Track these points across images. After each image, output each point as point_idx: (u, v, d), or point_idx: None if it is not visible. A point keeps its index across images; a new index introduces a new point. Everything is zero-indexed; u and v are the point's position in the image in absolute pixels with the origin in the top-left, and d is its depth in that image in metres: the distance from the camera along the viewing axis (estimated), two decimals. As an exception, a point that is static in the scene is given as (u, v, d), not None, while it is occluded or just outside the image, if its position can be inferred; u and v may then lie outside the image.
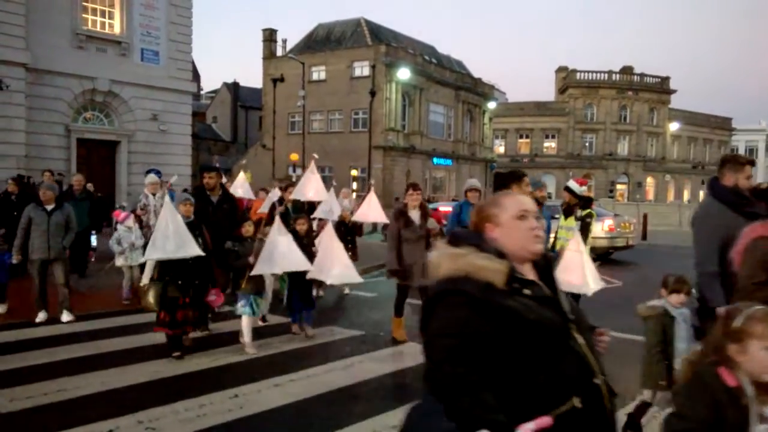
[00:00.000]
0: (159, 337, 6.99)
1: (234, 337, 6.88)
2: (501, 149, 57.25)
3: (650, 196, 57.28)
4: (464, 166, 45.61)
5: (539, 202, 6.18)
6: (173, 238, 5.86)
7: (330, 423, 4.57)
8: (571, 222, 8.03)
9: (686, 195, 60.79)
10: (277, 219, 6.59)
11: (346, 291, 10.14)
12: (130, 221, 8.75)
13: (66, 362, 5.91)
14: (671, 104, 59.47)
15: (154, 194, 9.43)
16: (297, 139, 35.69)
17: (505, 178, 5.77)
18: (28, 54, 17.34)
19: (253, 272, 6.28)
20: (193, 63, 24.41)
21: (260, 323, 7.32)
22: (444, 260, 1.88)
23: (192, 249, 5.97)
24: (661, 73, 59.73)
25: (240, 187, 10.57)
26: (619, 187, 56.14)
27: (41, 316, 7.58)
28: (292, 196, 9.28)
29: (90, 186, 13.17)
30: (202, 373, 5.74)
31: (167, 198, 6.08)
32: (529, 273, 1.91)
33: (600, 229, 15.41)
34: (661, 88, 58.38)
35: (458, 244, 1.91)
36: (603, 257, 15.77)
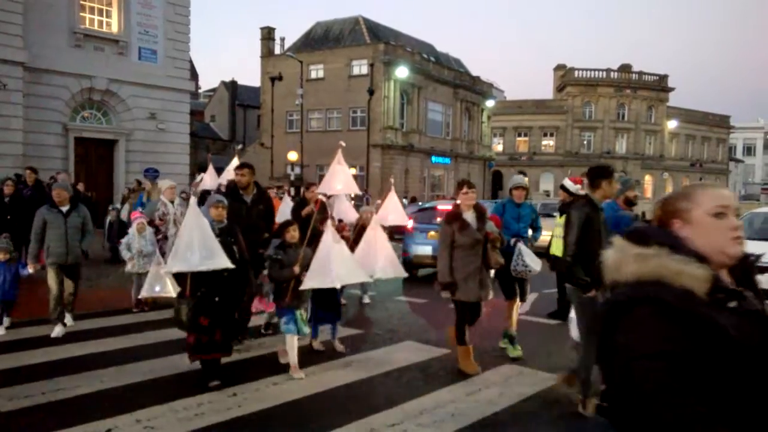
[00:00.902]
0: (157, 336, 7.01)
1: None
2: (499, 147, 57.23)
3: (648, 194, 57.29)
4: (463, 164, 45.60)
5: (632, 203, 5.65)
6: (198, 248, 5.00)
7: (328, 421, 4.58)
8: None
9: (684, 193, 60.74)
10: (329, 225, 5.63)
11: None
12: (138, 223, 8.30)
13: (64, 361, 5.91)
14: (669, 102, 59.44)
15: (172, 201, 8.80)
16: (295, 137, 35.64)
17: (595, 174, 4.99)
18: (25, 53, 17.32)
19: (305, 286, 5.40)
20: (191, 61, 24.39)
21: (318, 347, 6.61)
22: (628, 261, 1.55)
23: (221, 261, 5.07)
24: (660, 71, 59.75)
25: (233, 175, 9.93)
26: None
27: (58, 331, 6.86)
28: (318, 190, 8.42)
29: (80, 186, 13.09)
30: (201, 372, 5.74)
31: (192, 200, 5.15)
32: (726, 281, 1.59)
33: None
34: (659, 86, 58.36)
35: (644, 242, 1.58)
36: (601, 255, 15.77)
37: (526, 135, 58.14)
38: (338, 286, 5.54)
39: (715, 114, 65.79)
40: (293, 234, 5.88)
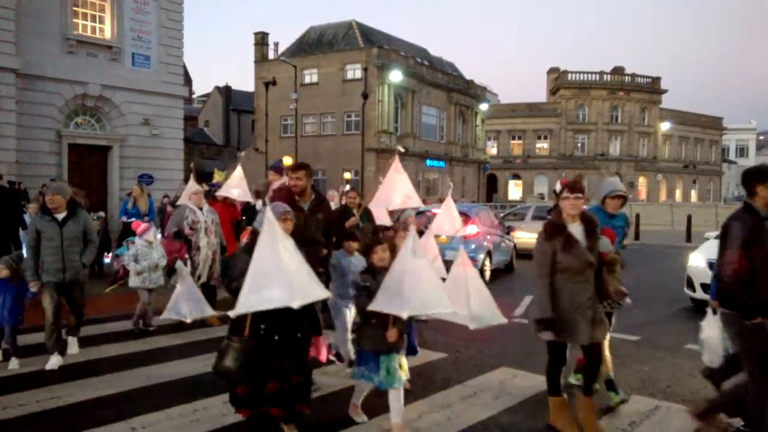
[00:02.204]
0: (153, 342, 6.98)
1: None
2: (494, 150, 57.44)
3: (642, 195, 57.57)
4: (457, 167, 45.68)
5: None
6: (286, 277, 3.50)
7: (325, 426, 4.57)
8: None
9: (678, 194, 61.12)
10: (413, 233, 4.07)
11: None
12: (151, 234, 7.54)
13: (58, 369, 5.86)
14: (662, 104, 59.84)
15: (200, 207, 7.87)
16: (290, 142, 35.64)
17: (749, 178, 4.05)
18: (18, 59, 17.27)
19: (371, 307, 4.07)
20: (184, 67, 24.38)
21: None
22: None
23: (317, 291, 3.67)
24: (652, 74, 60.12)
25: (236, 186, 8.25)
26: (612, 187, 56.29)
27: (53, 362, 5.87)
28: (372, 204, 7.07)
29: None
30: (196, 377, 5.72)
31: (268, 213, 3.71)
32: None
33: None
34: (652, 88, 58.72)
35: None
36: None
37: (520, 138, 58.36)
38: (404, 317, 4.12)
39: (708, 116, 66.20)
40: (382, 255, 4.60)
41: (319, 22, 45.93)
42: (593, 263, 4.40)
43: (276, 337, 4.05)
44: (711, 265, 9.11)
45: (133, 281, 7.49)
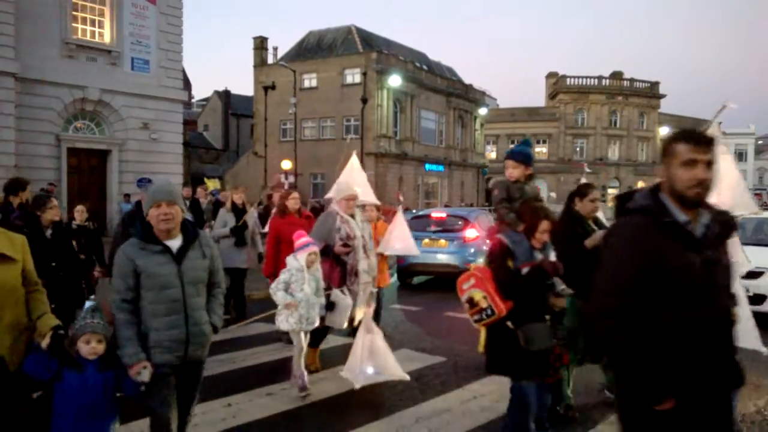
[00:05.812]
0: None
1: (225, 346, 6.83)
2: (493, 155, 57.45)
3: (641, 200, 57.62)
4: (456, 172, 45.73)
5: None
6: None
7: (323, 431, 4.55)
8: None
9: (677, 199, 61.16)
10: None
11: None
12: (310, 253, 5.16)
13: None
14: (661, 109, 59.96)
15: (352, 216, 5.76)
16: (289, 146, 35.67)
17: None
18: (17, 63, 17.30)
19: None
20: (183, 71, 24.42)
21: None
22: None
23: None
24: (651, 78, 60.26)
25: (361, 183, 6.15)
26: (610, 191, 56.43)
27: None
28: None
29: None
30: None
31: None
32: None
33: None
34: (651, 92, 58.84)
35: None
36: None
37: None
38: None
39: (707, 120, 66.11)
40: None
41: (318, 27, 45.93)
42: None
43: None
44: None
45: (286, 322, 5.13)
